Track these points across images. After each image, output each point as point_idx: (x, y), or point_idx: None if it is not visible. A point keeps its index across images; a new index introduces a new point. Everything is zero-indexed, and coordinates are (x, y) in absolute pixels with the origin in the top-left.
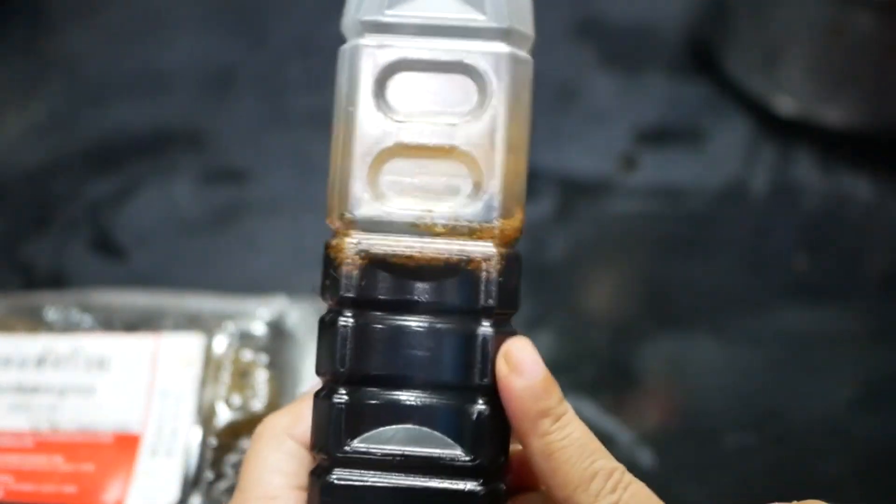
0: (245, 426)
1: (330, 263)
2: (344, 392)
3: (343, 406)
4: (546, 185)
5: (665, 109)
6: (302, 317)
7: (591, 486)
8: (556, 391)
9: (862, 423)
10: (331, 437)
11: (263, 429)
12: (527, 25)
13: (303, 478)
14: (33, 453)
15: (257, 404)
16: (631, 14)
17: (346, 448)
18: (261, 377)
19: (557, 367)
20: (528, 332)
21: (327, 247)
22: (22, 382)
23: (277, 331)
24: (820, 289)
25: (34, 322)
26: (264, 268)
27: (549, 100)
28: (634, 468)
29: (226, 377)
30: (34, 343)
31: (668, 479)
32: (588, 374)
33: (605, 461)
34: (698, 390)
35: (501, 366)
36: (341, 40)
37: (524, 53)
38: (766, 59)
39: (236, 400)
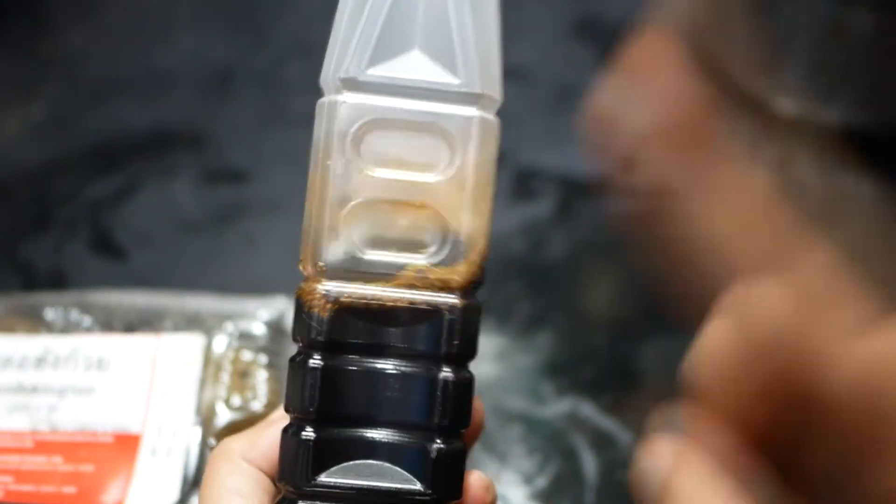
0: (245, 426)
1: (301, 308)
2: (311, 429)
3: (311, 442)
4: (546, 185)
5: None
6: None
7: None
8: None
9: None
10: (298, 471)
11: (220, 452)
12: (496, 90)
13: (261, 499)
14: (33, 454)
15: (257, 405)
16: (631, 14)
17: (313, 482)
18: (261, 377)
19: (557, 367)
20: (528, 332)
21: (299, 291)
22: (21, 382)
23: (277, 331)
24: None
25: (34, 322)
26: (264, 268)
27: (549, 100)
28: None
29: (225, 377)
30: (34, 343)
31: None
32: (588, 374)
33: None
34: None
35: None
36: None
37: (492, 116)
38: (766, 60)
39: (236, 400)
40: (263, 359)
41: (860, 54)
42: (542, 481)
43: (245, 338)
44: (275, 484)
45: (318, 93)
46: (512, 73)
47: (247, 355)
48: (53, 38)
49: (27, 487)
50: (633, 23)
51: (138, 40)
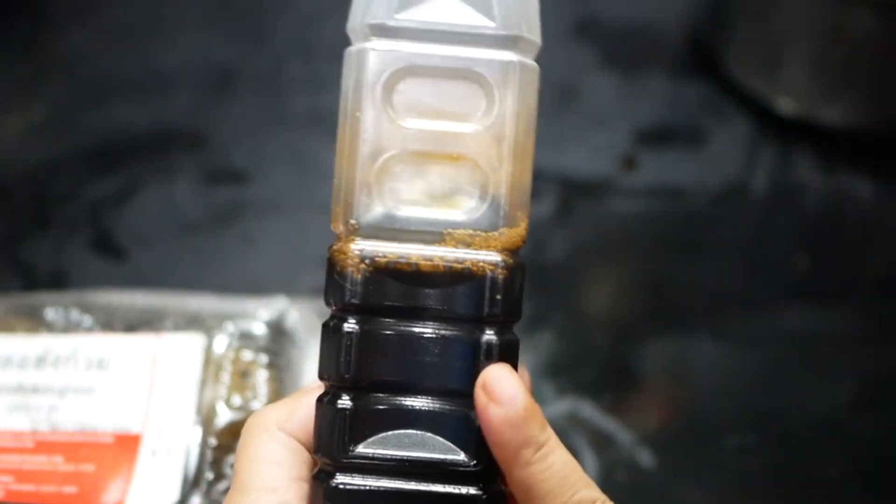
0: None
1: (334, 269)
2: (347, 397)
3: (347, 411)
4: (546, 185)
5: (665, 109)
6: (302, 317)
7: None
8: (537, 419)
9: (862, 423)
10: (335, 442)
11: (255, 422)
12: (535, 33)
13: (299, 469)
14: (33, 453)
15: (257, 404)
16: (631, 14)
17: (350, 453)
18: (261, 377)
19: (557, 367)
20: (528, 332)
21: (331, 251)
22: (22, 382)
23: (277, 331)
24: (820, 289)
25: (34, 322)
26: (264, 268)
27: (549, 100)
28: (634, 468)
29: (226, 377)
30: (34, 343)
31: (668, 479)
32: (588, 374)
33: (588, 491)
34: (698, 390)
35: (480, 396)
36: (341, 41)
37: (531, 61)
38: (766, 59)
39: (236, 400)
40: (264, 359)
41: (860, 54)
42: None
43: (245, 338)
44: (312, 455)
45: (341, 54)
46: None
47: (247, 355)
48: (53, 38)
49: (28, 487)
50: (633, 23)
51: (138, 40)
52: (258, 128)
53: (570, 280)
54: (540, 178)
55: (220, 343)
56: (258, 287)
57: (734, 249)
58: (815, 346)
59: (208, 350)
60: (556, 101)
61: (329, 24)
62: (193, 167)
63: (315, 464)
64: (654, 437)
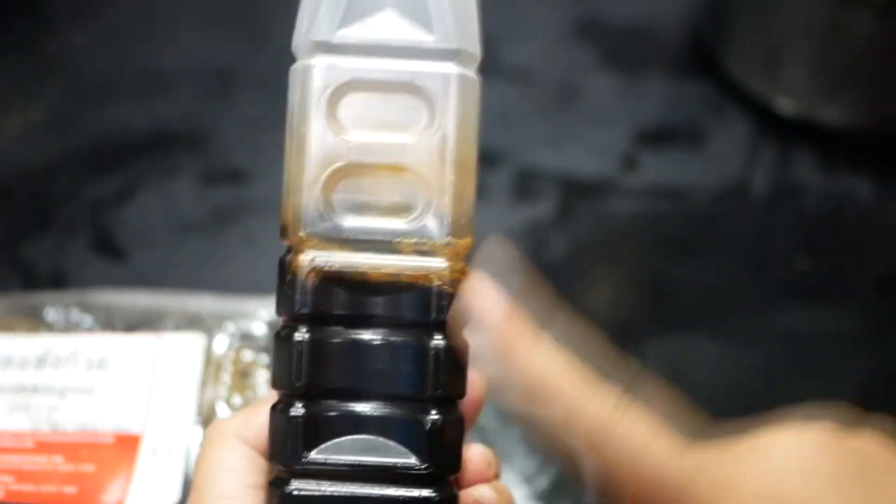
0: None
1: (284, 279)
2: (300, 405)
3: (300, 419)
4: (546, 185)
5: (665, 109)
6: None
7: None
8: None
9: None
10: (288, 449)
11: (214, 432)
12: (474, 45)
13: (256, 477)
14: (33, 453)
15: None
16: (631, 14)
17: (304, 460)
18: (261, 377)
19: None
20: None
21: (282, 263)
22: (22, 382)
23: None
24: (820, 289)
25: (34, 322)
26: (264, 268)
27: (549, 100)
28: None
29: (226, 377)
30: (34, 343)
31: None
32: None
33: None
34: (698, 390)
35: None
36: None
37: (472, 73)
38: (766, 59)
39: (237, 400)
40: (264, 359)
41: (860, 54)
42: (542, 481)
43: (246, 338)
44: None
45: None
46: (512, 74)
47: (247, 355)
48: (54, 38)
49: (28, 487)
50: (633, 23)
51: (139, 40)
52: (258, 128)
53: (570, 280)
54: (540, 178)
55: (221, 343)
56: (258, 287)
57: (734, 249)
58: (815, 346)
59: (208, 350)
60: (556, 101)
61: None
62: (193, 167)
63: (272, 472)
64: None
